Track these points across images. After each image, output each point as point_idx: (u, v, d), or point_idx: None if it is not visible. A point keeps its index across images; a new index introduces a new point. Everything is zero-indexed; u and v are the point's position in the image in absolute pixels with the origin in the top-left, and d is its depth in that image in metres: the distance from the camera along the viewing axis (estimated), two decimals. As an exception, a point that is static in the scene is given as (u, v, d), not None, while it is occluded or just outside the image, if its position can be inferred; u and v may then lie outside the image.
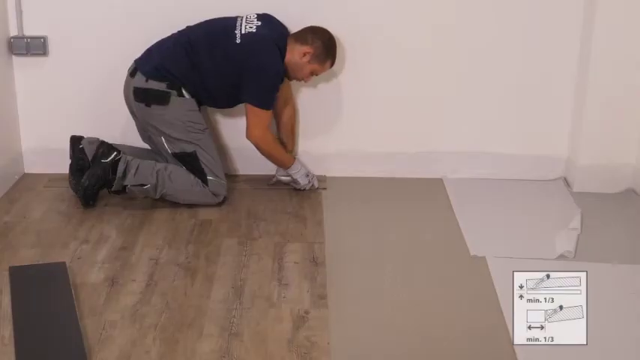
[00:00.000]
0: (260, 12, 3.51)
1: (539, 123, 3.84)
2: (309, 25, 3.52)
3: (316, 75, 3.54)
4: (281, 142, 3.72)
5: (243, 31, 3.39)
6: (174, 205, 3.46)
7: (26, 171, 3.84)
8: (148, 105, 3.39)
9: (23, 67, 3.70)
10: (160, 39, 3.50)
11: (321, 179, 3.80)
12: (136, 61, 3.45)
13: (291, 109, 3.71)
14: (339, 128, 3.85)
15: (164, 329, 2.56)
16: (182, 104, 3.39)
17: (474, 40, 3.72)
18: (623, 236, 3.38)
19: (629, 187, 3.76)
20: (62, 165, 3.75)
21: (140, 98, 3.40)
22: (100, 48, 3.68)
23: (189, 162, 3.42)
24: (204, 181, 3.42)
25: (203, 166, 3.42)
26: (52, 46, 3.68)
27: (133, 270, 2.95)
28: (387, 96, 3.80)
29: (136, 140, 3.62)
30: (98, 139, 3.49)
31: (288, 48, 3.44)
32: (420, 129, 3.85)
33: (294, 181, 3.64)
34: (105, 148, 3.43)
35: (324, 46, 3.45)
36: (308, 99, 3.79)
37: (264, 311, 2.68)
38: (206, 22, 3.49)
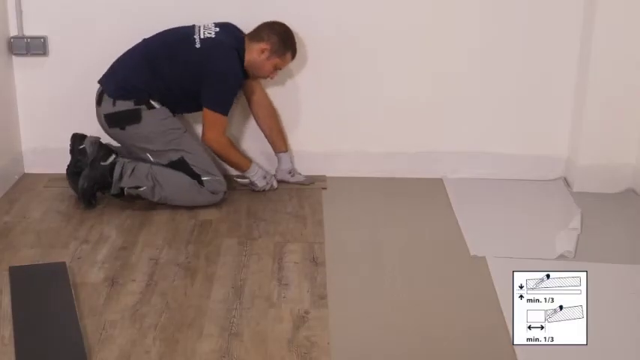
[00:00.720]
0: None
1: (539, 123, 3.84)
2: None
3: (280, 69, 3.54)
4: (271, 143, 3.73)
5: (202, 37, 3.41)
6: (174, 205, 3.45)
7: (26, 171, 3.84)
8: (122, 128, 3.39)
9: (23, 67, 3.70)
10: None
11: (321, 179, 3.81)
12: (100, 82, 3.45)
13: (265, 108, 3.69)
14: (339, 128, 3.85)
15: (164, 329, 2.56)
16: (154, 116, 3.38)
17: (474, 41, 3.72)
18: (623, 236, 3.38)
19: (629, 187, 3.76)
20: (62, 165, 3.74)
21: (113, 123, 3.40)
22: (100, 48, 3.67)
23: (181, 169, 3.42)
24: (200, 183, 3.42)
25: (194, 168, 3.41)
26: (52, 46, 3.68)
27: (133, 270, 2.95)
28: (387, 96, 3.80)
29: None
30: (99, 139, 3.49)
31: (247, 49, 3.45)
32: (420, 129, 3.85)
33: (252, 183, 3.63)
34: (104, 151, 3.43)
35: (280, 39, 3.45)
36: (308, 99, 3.79)
37: (264, 311, 2.68)
38: (163, 32, 3.50)
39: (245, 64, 3.46)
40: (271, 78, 3.56)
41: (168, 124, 3.41)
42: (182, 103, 3.49)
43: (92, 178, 3.40)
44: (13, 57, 3.68)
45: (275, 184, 3.70)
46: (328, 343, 2.49)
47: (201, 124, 3.53)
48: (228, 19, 3.56)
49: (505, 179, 3.85)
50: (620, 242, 3.31)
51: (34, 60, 3.68)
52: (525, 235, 3.30)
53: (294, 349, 2.46)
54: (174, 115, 3.47)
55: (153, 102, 3.38)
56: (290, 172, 3.74)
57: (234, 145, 3.64)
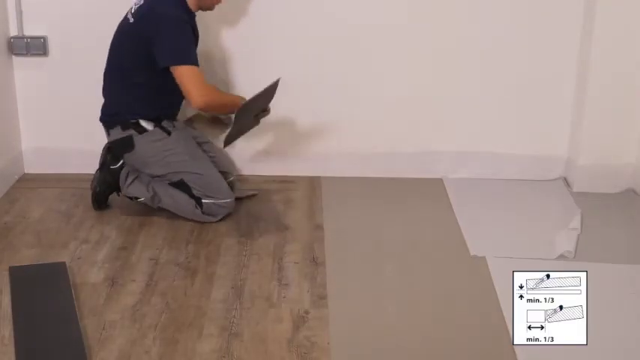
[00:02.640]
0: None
1: (539, 123, 3.84)
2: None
3: None
4: None
5: (132, 12, 3.24)
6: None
7: (26, 171, 3.84)
8: (121, 157, 3.34)
9: (23, 67, 3.70)
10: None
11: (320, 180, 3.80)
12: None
13: None
14: (339, 128, 3.85)
15: (164, 329, 2.56)
16: (146, 139, 3.27)
17: (474, 40, 3.72)
18: (623, 236, 3.38)
19: (629, 187, 3.76)
20: (62, 165, 3.77)
21: (115, 153, 3.35)
22: (100, 48, 3.65)
23: (181, 190, 3.31)
24: (199, 204, 3.30)
25: (194, 191, 3.28)
26: (52, 46, 3.68)
27: (133, 270, 2.95)
28: (387, 96, 3.80)
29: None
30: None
31: None
32: (420, 129, 3.85)
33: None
34: (111, 154, 3.40)
35: None
36: (308, 99, 3.79)
37: (264, 311, 2.68)
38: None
39: (189, 1, 3.22)
40: (221, 1, 3.31)
41: (163, 146, 3.28)
42: (163, 99, 3.29)
43: (104, 181, 3.39)
44: (13, 57, 3.68)
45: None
46: (328, 343, 2.49)
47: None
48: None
49: (505, 179, 3.85)
50: (620, 242, 3.31)
51: (34, 60, 3.68)
52: (525, 235, 3.30)
53: (294, 349, 2.46)
54: (171, 135, 3.30)
55: (143, 122, 3.27)
56: None
57: (218, 89, 3.37)
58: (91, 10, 3.65)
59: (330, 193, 3.69)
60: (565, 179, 3.86)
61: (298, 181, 3.80)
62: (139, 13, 3.20)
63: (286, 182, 3.78)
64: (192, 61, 3.14)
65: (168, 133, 3.32)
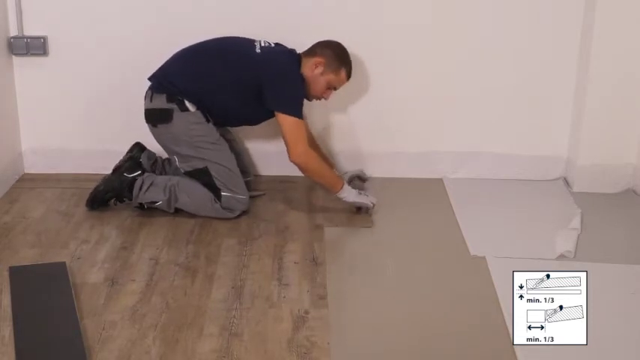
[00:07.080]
0: (271, 33, 3.52)
1: (539, 123, 3.84)
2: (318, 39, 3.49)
3: (334, 89, 3.44)
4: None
5: (262, 45, 3.38)
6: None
7: (26, 171, 3.84)
8: (154, 125, 3.35)
9: (23, 67, 3.70)
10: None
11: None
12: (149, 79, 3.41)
13: (315, 149, 3.51)
14: (338, 128, 3.85)
15: (164, 329, 2.56)
16: (186, 119, 3.29)
17: (474, 41, 3.72)
18: (623, 236, 3.38)
19: (629, 187, 3.77)
20: (62, 165, 3.77)
21: (147, 120, 3.37)
22: (100, 48, 3.68)
23: (202, 178, 3.34)
24: (218, 197, 3.33)
25: (216, 181, 3.32)
26: (52, 46, 3.68)
27: (133, 270, 2.95)
28: (387, 96, 3.80)
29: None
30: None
31: (302, 65, 3.38)
32: (420, 129, 3.85)
33: (363, 205, 3.40)
34: (131, 163, 3.43)
35: (334, 53, 3.39)
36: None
37: (264, 311, 2.68)
38: (221, 37, 3.44)
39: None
40: (325, 98, 3.45)
41: (199, 130, 3.31)
42: (217, 111, 3.36)
43: (110, 184, 3.39)
44: (13, 57, 3.68)
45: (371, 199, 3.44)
46: (328, 343, 2.49)
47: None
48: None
49: (505, 179, 3.86)
50: (620, 242, 3.32)
51: (34, 60, 3.68)
52: (525, 235, 3.30)
53: (294, 349, 2.46)
54: (209, 122, 3.35)
55: (188, 103, 3.29)
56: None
57: (323, 158, 3.52)
58: (90, 10, 3.65)
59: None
60: (565, 179, 3.86)
61: (298, 181, 3.80)
62: (269, 51, 3.36)
63: (286, 182, 3.78)
64: (298, 114, 3.28)
65: (207, 120, 3.35)
